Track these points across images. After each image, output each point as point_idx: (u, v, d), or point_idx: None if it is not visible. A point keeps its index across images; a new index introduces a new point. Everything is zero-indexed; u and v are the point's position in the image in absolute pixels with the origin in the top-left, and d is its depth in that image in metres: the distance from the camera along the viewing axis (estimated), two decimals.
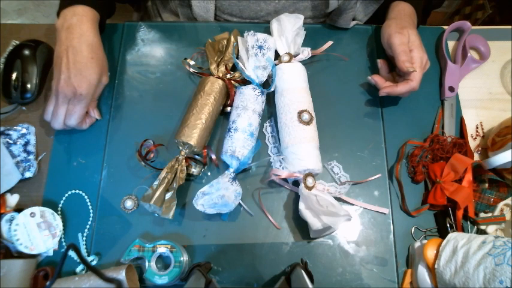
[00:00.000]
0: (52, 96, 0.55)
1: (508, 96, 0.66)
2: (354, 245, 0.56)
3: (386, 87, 0.59)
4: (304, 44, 0.64)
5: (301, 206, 0.53)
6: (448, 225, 0.55)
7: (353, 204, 0.58)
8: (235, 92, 0.60)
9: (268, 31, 0.65)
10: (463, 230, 0.56)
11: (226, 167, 0.56)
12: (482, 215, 0.57)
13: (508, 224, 0.56)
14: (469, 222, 0.56)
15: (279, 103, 0.59)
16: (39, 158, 0.58)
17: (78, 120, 0.55)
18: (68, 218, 0.55)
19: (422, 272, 0.51)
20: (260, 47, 0.60)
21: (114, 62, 0.65)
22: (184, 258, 0.52)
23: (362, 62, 0.68)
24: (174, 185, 0.53)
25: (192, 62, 0.64)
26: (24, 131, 0.59)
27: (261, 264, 0.54)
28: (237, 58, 0.63)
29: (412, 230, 0.57)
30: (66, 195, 0.56)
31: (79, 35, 0.54)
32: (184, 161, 0.54)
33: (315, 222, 0.51)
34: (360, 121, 0.63)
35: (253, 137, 0.57)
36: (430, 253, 0.50)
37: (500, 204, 0.56)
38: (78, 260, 0.53)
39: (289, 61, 0.61)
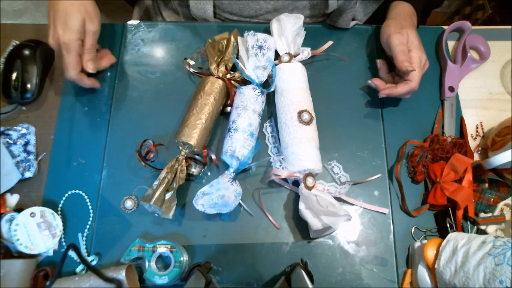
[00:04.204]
0: None
1: (508, 96, 0.66)
2: (354, 245, 0.56)
3: (386, 88, 0.59)
4: (304, 44, 0.64)
5: (301, 206, 0.53)
6: (448, 225, 0.55)
7: (353, 204, 0.58)
8: (235, 92, 0.60)
9: (268, 31, 0.65)
10: (463, 230, 0.56)
11: (226, 167, 0.56)
12: (482, 215, 0.57)
13: (508, 224, 0.56)
14: (469, 222, 0.56)
15: (279, 103, 0.59)
16: (39, 158, 0.58)
17: (74, 71, 0.54)
18: (68, 218, 0.55)
19: (422, 272, 0.51)
20: (260, 47, 0.60)
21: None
22: (184, 258, 0.52)
23: (362, 62, 0.68)
24: (174, 185, 0.53)
25: (192, 62, 0.64)
26: (24, 131, 0.59)
27: (261, 264, 0.54)
28: (237, 58, 0.63)
29: (412, 230, 0.57)
30: (66, 195, 0.56)
31: None
32: (184, 161, 0.54)
33: (315, 222, 0.51)
34: (360, 121, 0.63)
35: (253, 137, 0.57)
36: (430, 253, 0.50)
37: (500, 204, 0.56)
38: (78, 260, 0.53)
39: (289, 61, 0.61)
